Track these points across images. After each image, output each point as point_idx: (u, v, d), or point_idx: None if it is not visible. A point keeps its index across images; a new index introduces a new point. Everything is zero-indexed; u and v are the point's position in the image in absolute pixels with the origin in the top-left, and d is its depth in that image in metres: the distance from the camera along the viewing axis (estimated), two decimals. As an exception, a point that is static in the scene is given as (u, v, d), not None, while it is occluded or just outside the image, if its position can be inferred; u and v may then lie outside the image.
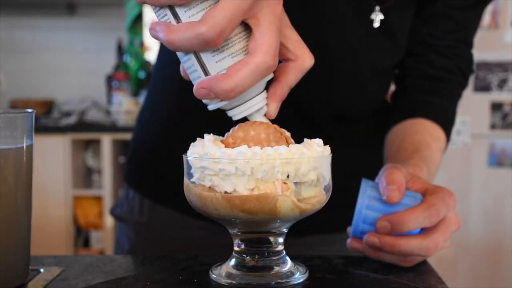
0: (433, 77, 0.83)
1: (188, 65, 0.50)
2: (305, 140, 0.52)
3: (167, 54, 0.82)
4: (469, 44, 0.85)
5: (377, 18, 0.74)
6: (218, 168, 0.48)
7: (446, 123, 0.81)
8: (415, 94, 0.83)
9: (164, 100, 0.86)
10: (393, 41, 0.79)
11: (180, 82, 0.56)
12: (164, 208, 0.85)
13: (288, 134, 0.52)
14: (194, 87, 0.49)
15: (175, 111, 0.84)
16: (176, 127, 0.82)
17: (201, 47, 0.46)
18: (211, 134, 0.52)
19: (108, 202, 2.64)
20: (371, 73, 0.79)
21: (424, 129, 0.79)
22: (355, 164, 0.82)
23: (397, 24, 0.77)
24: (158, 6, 0.48)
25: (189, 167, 0.51)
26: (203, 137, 0.52)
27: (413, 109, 0.82)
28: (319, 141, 0.51)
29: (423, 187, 0.63)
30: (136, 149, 0.91)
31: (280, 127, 0.52)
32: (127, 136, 2.69)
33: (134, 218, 0.88)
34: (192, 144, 0.52)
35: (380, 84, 0.83)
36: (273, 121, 0.52)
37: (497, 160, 2.52)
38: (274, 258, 0.53)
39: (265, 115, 0.52)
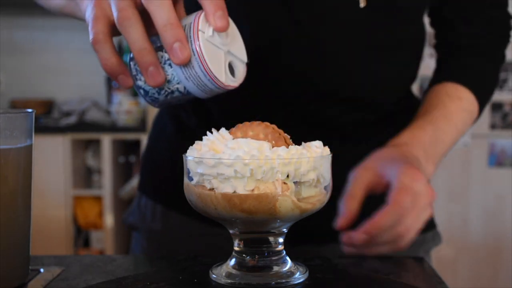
0: (462, 44, 0.82)
1: None
2: (303, 143, 0.52)
3: None
4: (499, 5, 0.82)
5: None
6: (217, 172, 0.48)
7: (473, 82, 0.79)
8: (445, 59, 0.83)
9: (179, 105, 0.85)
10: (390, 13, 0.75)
11: None
12: (177, 214, 0.83)
13: (286, 135, 0.52)
14: None
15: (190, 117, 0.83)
16: (191, 133, 0.82)
17: None
18: (219, 130, 0.52)
19: (108, 202, 2.64)
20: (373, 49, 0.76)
21: (444, 92, 0.78)
22: None
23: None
24: None
25: (189, 170, 0.51)
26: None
27: (438, 74, 0.82)
28: (318, 143, 0.52)
29: (388, 184, 0.65)
30: (149, 156, 0.90)
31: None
32: (127, 136, 2.69)
33: (147, 225, 0.86)
34: (190, 147, 0.52)
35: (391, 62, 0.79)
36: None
37: (497, 160, 2.52)
38: (274, 258, 0.53)
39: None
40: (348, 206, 0.64)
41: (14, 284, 0.54)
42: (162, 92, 0.55)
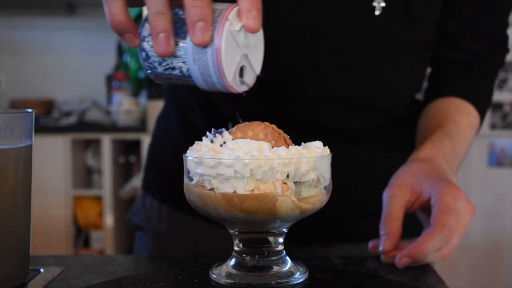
0: (465, 60, 0.82)
1: None
2: (303, 143, 0.52)
3: None
4: (502, 26, 0.83)
5: (379, 5, 0.71)
6: (217, 173, 0.48)
7: (477, 100, 0.81)
8: (447, 73, 0.83)
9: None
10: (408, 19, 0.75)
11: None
12: (184, 215, 0.82)
13: (285, 135, 0.52)
14: None
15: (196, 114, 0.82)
16: (198, 132, 0.81)
17: None
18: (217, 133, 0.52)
19: (108, 202, 2.64)
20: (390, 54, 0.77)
21: (453, 107, 0.79)
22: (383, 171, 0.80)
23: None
24: None
25: (188, 171, 0.51)
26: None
27: (443, 88, 0.82)
28: (318, 143, 0.52)
29: (426, 202, 0.64)
30: (154, 155, 0.89)
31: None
32: (127, 136, 2.69)
33: (153, 226, 0.86)
34: (190, 148, 0.52)
35: (401, 69, 0.79)
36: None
37: (497, 160, 2.52)
38: (274, 258, 0.53)
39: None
40: (392, 228, 0.63)
41: (14, 284, 0.54)
42: (164, 64, 0.52)
